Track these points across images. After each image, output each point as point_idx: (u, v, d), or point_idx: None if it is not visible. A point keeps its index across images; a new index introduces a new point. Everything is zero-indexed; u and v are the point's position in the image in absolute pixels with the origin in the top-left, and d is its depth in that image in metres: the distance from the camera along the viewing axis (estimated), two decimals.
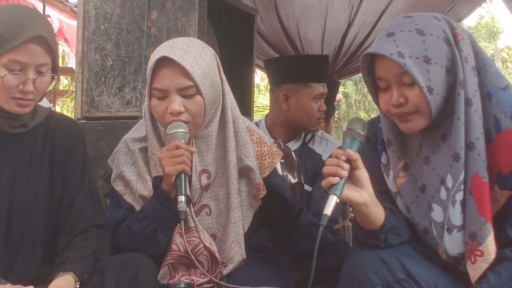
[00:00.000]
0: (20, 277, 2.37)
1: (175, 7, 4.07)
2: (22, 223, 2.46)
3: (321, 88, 3.87)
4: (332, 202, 2.21)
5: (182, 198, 2.39)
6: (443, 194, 2.33)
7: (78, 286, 2.33)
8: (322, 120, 3.97)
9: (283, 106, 3.85)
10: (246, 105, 4.56)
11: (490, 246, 2.25)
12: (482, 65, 2.34)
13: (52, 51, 2.41)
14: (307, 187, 3.67)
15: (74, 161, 2.58)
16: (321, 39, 6.81)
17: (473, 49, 2.33)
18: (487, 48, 25.66)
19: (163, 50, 2.52)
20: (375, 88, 2.39)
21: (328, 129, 5.47)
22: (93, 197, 2.60)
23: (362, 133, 2.33)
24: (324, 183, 2.24)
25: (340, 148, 2.33)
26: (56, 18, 6.90)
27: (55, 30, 6.95)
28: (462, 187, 2.29)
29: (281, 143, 3.33)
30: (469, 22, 25.37)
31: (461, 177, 2.28)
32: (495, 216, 2.28)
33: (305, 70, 3.93)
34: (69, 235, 2.49)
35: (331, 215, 2.22)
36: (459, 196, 2.29)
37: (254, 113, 5.46)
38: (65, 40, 7.27)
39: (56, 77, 2.48)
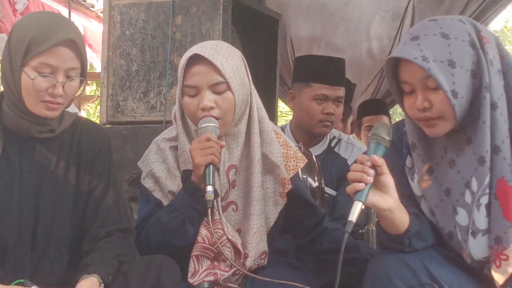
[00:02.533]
0: (45, 280, 2.39)
1: (200, 12, 4.07)
2: (48, 227, 2.48)
3: (324, 90, 3.81)
4: (357, 208, 2.20)
5: (210, 188, 2.42)
6: (468, 197, 2.31)
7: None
8: (328, 123, 3.86)
9: (291, 105, 3.84)
10: (269, 110, 4.52)
11: None
12: (508, 68, 2.32)
13: (81, 55, 2.43)
14: (331, 191, 3.68)
15: (100, 166, 2.60)
16: None
17: (499, 52, 2.31)
18: None
19: (193, 49, 2.58)
20: (400, 92, 2.38)
21: (345, 131, 5.44)
22: (118, 202, 2.62)
23: (387, 138, 2.31)
24: (349, 189, 2.23)
25: (365, 153, 2.32)
26: (80, 24, 6.93)
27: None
28: (487, 190, 2.27)
29: (302, 146, 3.31)
30: (495, 25, 25.11)
31: (487, 180, 2.27)
32: None
33: (308, 69, 3.93)
34: (94, 239, 2.50)
35: (356, 221, 2.21)
36: (484, 200, 2.27)
37: (278, 118, 5.48)
38: (90, 46, 7.28)
39: (84, 81, 2.49)
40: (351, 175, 2.24)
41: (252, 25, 4.41)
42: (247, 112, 2.65)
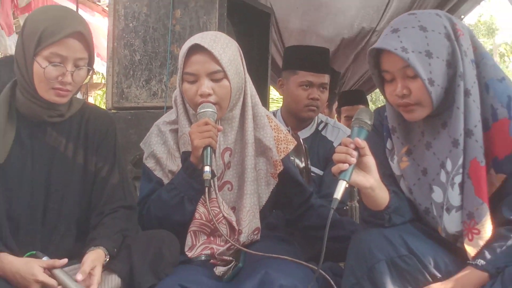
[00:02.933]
0: (55, 252, 2.39)
1: (197, 6, 4.08)
2: (58, 204, 2.50)
3: (309, 77, 3.81)
4: (341, 186, 2.23)
5: (207, 168, 2.42)
6: (443, 177, 2.33)
7: (108, 259, 2.36)
8: (314, 107, 3.87)
9: (280, 92, 3.84)
10: (262, 96, 4.53)
11: (486, 225, 2.26)
12: (481, 58, 2.33)
13: (89, 47, 2.44)
14: (318, 171, 3.69)
15: (106, 148, 2.61)
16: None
17: (472, 43, 2.33)
18: (485, 43, 25.54)
19: (194, 39, 2.59)
20: (381, 80, 2.39)
21: (331, 116, 5.45)
22: (123, 181, 2.63)
23: (369, 122, 2.33)
24: (334, 169, 2.25)
25: (349, 136, 2.33)
26: (87, 18, 6.92)
27: None
28: (460, 170, 2.29)
29: (290, 130, 3.32)
30: (469, 19, 25.11)
31: (460, 161, 2.29)
32: (491, 197, 2.28)
33: (295, 58, 3.93)
34: (100, 215, 2.53)
35: (340, 199, 2.23)
36: (458, 179, 2.29)
37: (270, 104, 5.48)
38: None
39: (92, 70, 2.51)
40: (336, 156, 2.26)
41: (246, 18, 4.42)
42: (242, 98, 2.66)
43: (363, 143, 2.26)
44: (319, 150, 3.76)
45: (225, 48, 2.57)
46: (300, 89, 3.80)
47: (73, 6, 5.90)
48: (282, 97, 4.14)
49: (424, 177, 2.39)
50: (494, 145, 2.29)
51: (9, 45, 5.31)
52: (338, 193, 2.23)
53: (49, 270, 2.28)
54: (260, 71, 4.57)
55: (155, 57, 4.14)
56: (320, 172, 3.67)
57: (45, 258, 2.31)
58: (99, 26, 6.80)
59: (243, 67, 2.67)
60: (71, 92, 2.46)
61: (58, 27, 2.36)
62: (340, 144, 2.30)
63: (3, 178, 2.42)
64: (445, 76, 2.27)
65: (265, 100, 4.69)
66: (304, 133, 3.82)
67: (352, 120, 2.38)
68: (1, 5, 5.29)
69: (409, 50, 2.23)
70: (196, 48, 2.55)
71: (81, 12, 6.71)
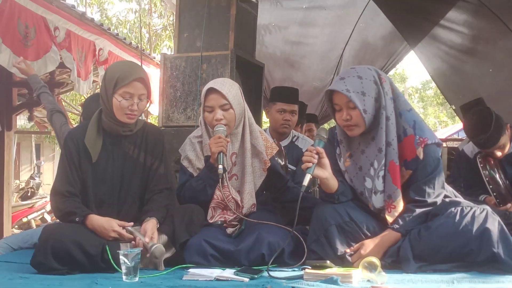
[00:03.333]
0: (125, 217, 2.39)
1: (217, 62, 4.06)
2: (127, 186, 2.50)
3: (283, 106, 3.76)
4: (307, 178, 2.24)
5: (220, 166, 2.42)
6: (372, 172, 2.33)
7: (158, 225, 2.35)
8: (287, 126, 3.80)
9: (267, 116, 3.82)
10: (257, 119, 4.49)
11: (399, 202, 2.28)
12: (396, 96, 2.33)
13: (147, 87, 2.45)
14: (292, 167, 3.66)
15: (157, 151, 2.59)
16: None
17: (391, 87, 2.33)
18: (399, 87, 25.44)
19: (210, 84, 2.58)
20: (333, 110, 2.38)
21: (301, 132, 5.39)
22: (167, 172, 2.61)
23: (325, 136, 2.34)
24: (303, 166, 2.27)
25: (312, 145, 2.33)
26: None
27: None
28: (383, 168, 2.29)
29: (275, 140, 3.36)
30: (389, 72, 25.08)
31: (383, 162, 2.28)
32: (403, 185, 2.29)
33: (275, 94, 3.92)
34: (151, 192, 2.51)
35: (307, 185, 2.24)
36: (381, 173, 2.29)
37: (263, 124, 5.47)
38: None
39: (150, 101, 2.51)
40: (304, 158, 2.26)
41: (248, 70, 4.39)
42: (243, 120, 2.64)
43: (321, 150, 2.27)
44: (294, 154, 3.73)
45: (230, 88, 2.56)
46: (277, 114, 3.77)
47: (138, 60, 5.95)
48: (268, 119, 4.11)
49: (360, 172, 2.38)
50: (404, 151, 2.29)
51: (82, 86, 5.24)
52: (305, 182, 2.24)
53: (122, 227, 2.30)
54: (257, 103, 4.54)
55: (190, 94, 4.10)
56: (294, 168, 3.65)
57: (127, 227, 2.33)
58: (153, 74, 6.79)
59: (243, 100, 2.64)
60: (136, 115, 2.47)
61: (127, 75, 2.38)
62: (307, 150, 2.30)
63: (95, 171, 2.45)
64: (374, 107, 2.27)
65: (259, 121, 4.65)
66: (284, 143, 3.79)
67: (315, 135, 2.38)
68: (85, 61, 5.25)
69: (351, 91, 2.24)
70: (211, 90, 2.55)
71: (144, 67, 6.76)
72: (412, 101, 25.31)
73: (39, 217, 9.20)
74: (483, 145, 3.41)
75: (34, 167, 12.34)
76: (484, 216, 2.10)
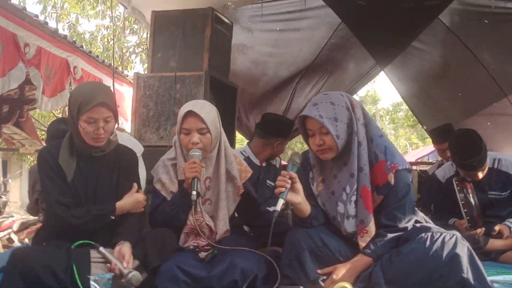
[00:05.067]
0: (98, 239, 2.38)
1: (191, 82, 4.09)
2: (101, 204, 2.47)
3: (286, 141, 3.92)
4: (280, 202, 2.26)
5: (194, 192, 2.42)
6: (344, 196, 2.35)
7: (131, 249, 2.33)
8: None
9: (274, 148, 3.79)
10: (230, 138, 4.56)
11: (371, 227, 2.31)
12: (368, 122, 2.37)
13: (112, 108, 2.42)
14: (272, 183, 3.74)
15: (130, 173, 2.59)
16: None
17: (363, 112, 2.37)
18: (371, 109, 25.81)
19: (189, 106, 2.57)
20: (307, 135, 2.41)
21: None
22: None
23: (299, 161, 2.36)
24: (276, 191, 2.28)
25: (285, 169, 2.35)
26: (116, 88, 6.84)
27: None
28: (355, 193, 2.32)
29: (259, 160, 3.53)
30: (361, 93, 25.43)
31: (355, 187, 2.31)
32: (374, 210, 2.31)
33: (289, 132, 3.95)
34: (124, 215, 2.49)
35: (279, 210, 2.26)
36: (354, 198, 2.32)
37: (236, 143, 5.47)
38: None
39: (117, 122, 2.50)
40: (277, 183, 2.29)
41: (222, 91, 4.42)
42: (218, 144, 2.63)
43: (294, 175, 2.29)
44: (271, 171, 3.82)
45: (209, 112, 2.56)
46: (279, 147, 3.82)
47: (110, 78, 5.89)
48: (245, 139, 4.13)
49: (332, 196, 2.40)
50: (376, 177, 2.32)
51: (46, 104, 5.11)
52: (278, 206, 2.25)
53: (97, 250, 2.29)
54: (230, 124, 4.56)
55: (162, 114, 4.11)
56: (272, 183, 3.71)
57: (101, 248, 2.30)
58: (126, 92, 6.73)
59: (220, 124, 2.64)
60: (105, 138, 2.46)
61: (90, 99, 2.36)
62: (280, 175, 2.32)
63: (71, 189, 2.43)
64: (346, 133, 2.30)
65: (233, 142, 4.68)
66: (264, 163, 3.86)
67: (288, 160, 2.40)
68: (54, 78, 5.16)
69: (324, 117, 2.27)
70: (190, 113, 2.53)
71: (116, 84, 6.68)
72: (384, 122, 25.65)
73: (5, 237, 8.96)
74: (473, 167, 3.38)
75: (0, 185, 12.05)
76: (453, 241, 2.14)
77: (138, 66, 12.54)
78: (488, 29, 4.99)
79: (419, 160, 11.97)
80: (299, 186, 2.30)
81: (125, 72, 8.80)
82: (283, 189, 2.25)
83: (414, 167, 5.86)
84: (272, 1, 5.32)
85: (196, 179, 2.44)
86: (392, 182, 2.28)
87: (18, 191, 15.43)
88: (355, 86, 6.78)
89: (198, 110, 2.52)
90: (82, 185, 2.45)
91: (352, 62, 6.35)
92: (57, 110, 10.01)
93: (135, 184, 2.54)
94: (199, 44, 4.18)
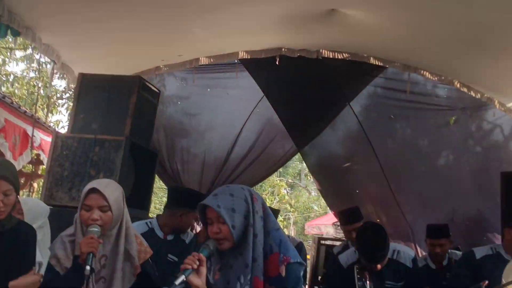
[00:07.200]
0: None
1: (111, 146, 4.11)
2: None
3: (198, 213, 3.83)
4: (181, 278, 2.23)
5: (88, 267, 2.38)
6: (238, 286, 2.38)
7: None
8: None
9: (178, 219, 3.76)
10: (145, 204, 4.58)
11: None
12: (267, 215, 2.44)
13: (12, 181, 2.41)
14: (175, 259, 3.68)
15: (27, 253, 2.56)
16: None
17: (263, 207, 2.45)
18: (297, 165, 25.99)
19: (92, 184, 2.58)
20: (206, 223, 2.46)
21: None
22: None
23: (212, 248, 2.38)
24: (182, 266, 2.27)
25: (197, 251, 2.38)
26: (39, 137, 6.70)
27: (37, 144, 6.67)
28: (248, 282, 2.35)
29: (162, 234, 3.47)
30: None
31: (249, 277, 2.34)
32: None
33: (196, 203, 3.76)
34: None
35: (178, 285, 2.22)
36: None
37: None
38: (43, 151, 6.96)
39: (17, 193, 2.47)
40: (185, 260, 2.28)
41: (142, 156, 4.45)
42: (119, 223, 2.65)
43: (203, 258, 2.31)
44: (178, 246, 3.78)
45: (113, 191, 2.59)
46: (193, 220, 3.86)
47: (29, 128, 5.76)
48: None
49: (228, 285, 2.43)
50: (269, 268, 2.36)
51: None
52: (178, 281, 2.22)
53: None
54: (148, 189, 4.59)
55: (77, 175, 4.09)
56: (176, 259, 3.66)
57: None
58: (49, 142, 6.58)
59: (124, 203, 2.66)
60: (5, 211, 2.42)
61: None
62: (190, 255, 2.33)
63: None
64: (242, 224, 2.36)
65: (148, 205, 4.68)
66: (170, 237, 3.82)
67: (203, 243, 2.42)
68: None
69: (222, 207, 2.33)
70: (93, 190, 2.56)
71: (37, 132, 6.54)
72: (309, 180, 26.05)
73: None
74: (376, 260, 3.54)
75: None
76: None
77: (64, 112, 12.23)
78: (390, 124, 5.38)
79: (336, 223, 12.16)
80: (204, 270, 2.32)
81: (50, 117, 8.58)
82: (189, 266, 2.26)
83: (322, 242, 6.06)
84: (204, 67, 5.45)
85: (91, 254, 2.43)
86: (283, 274, 2.36)
87: None
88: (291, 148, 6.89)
89: (101, 188, 2.54)
90: None
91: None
92: None
93: (34, 268, 2.48)
94: (123, 110, 4.25)
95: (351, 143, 6.14)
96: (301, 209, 25.89)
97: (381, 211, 6.20)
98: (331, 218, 16.57)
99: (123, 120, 4.22)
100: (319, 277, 5.71)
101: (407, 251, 3.87)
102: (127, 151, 4.09)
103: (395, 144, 5.81)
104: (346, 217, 4.76)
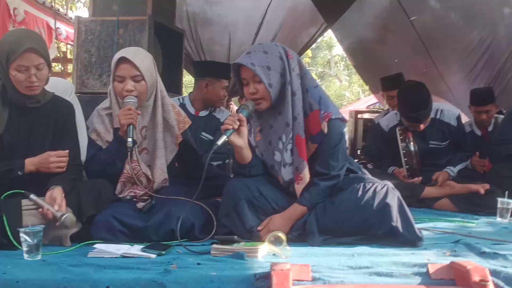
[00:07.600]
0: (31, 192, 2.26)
1: (134, 27, 3.94)
2: (35, 155, 2.37)
3: (226, 83, 3.74)
4: (223, 138, 2.24)
5: (130, 139, 2.37)
6: (280, 145, 2.37)
7: (64, 195, 2.25)
8: (224, 101, 3.85)
9: (204, 90, 3.70)
10: (176, 86, 4.49)
11: (306, 175, 2.34)
12: (304, 73, 2.37)
13: (43, 54, 2.30)
14: (210, 137, 3.65)
15: (67, 126, 2.48)
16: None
17: (299, 64, 2.37)
18: (326, 55, 25.67)
19: (121, 53, 2.49)
20: (241, 84, 2.39)
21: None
22: (76, 147, 2.51)
23: (251, 108, 2.34)
24: (222, 127, 2.26)
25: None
26: (64, 29, 6.56)
27: (64, 36, 6.57)
28: (290, 141, 2.34)
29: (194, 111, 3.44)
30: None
31: (290, 135, 2.34)
32: (309, 158, 2.35)
33: (220, 71, 3.78)
34: None
35: (220, 145, 2.24)
36: (289, 147, 2.35)
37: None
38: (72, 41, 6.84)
39: (50, 68, 2.38)
40: (226, 121, 2.27)
41: (167, 36, 4.29)
42: (154, 92, 2.57)
43: (243, 118, 2.28)
44: (211, 123, 3.71)
45: (143, 59, 2.48)
46: (222, 90, 3.71)
47: (51, 20, 5.59)
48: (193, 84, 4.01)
49: (270, 146, 2.42)
50: (310, 126, 2.34)
51: None
52: (219, 141, 2.24)
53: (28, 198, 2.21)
54: (177, 69, 4.48)
55: (105, 60, 3.96)
56: (210, 137, 3.64)
57: (32, 195, 2.22)
58: (71, 35, 6.44)
59: (156, 72, 2.57)
60: (39, 86, 2.34)
61: (17, 46, 2.24)
62: (230, 116, 2.32)
63: (3, 141, 2.33)
64: (279, 82, 2.30)
65: (179, 89, 4.60)
66: (203, 113, 3.75)
67: (242, 104, 2.39)
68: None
69: (256, 65, 2.26)
70: (123, 60, 2.45)
71: (59, 24, 6.37)
72: (338, 68, 25.68)
73: None
74: (419, 120, 3.44)
75: None
76: (384, 191, 2.19)
77: (83, 9, 11.98)
78: None
79: (371, 108, 12.13)
80: (244, 130, 2.30)
81: (70, 13, 8.36)
82: (230, 127, 2.24)
83: (360, 116, 5.95)
84: None
85: (131, 126, 2.39)
86: (326, 130, 2.30)
87: None
88: (316, 36, 6.73)
89: (131, 57, 2.44)
90: (14, 137, 2.35)
91: (309, 9, 6.23)
92: None
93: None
94: None
95: (385, 14, 5.85)
96: (333, 97, 25.72)
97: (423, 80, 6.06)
98: (364, 102, 16.46)
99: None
100: (358, 151, 5.70)
101: (451, 110, 3.71)
102: (152, 31, 3.92)
103: (431, 16, 5.47)
104: (390, 82, 4.59)
